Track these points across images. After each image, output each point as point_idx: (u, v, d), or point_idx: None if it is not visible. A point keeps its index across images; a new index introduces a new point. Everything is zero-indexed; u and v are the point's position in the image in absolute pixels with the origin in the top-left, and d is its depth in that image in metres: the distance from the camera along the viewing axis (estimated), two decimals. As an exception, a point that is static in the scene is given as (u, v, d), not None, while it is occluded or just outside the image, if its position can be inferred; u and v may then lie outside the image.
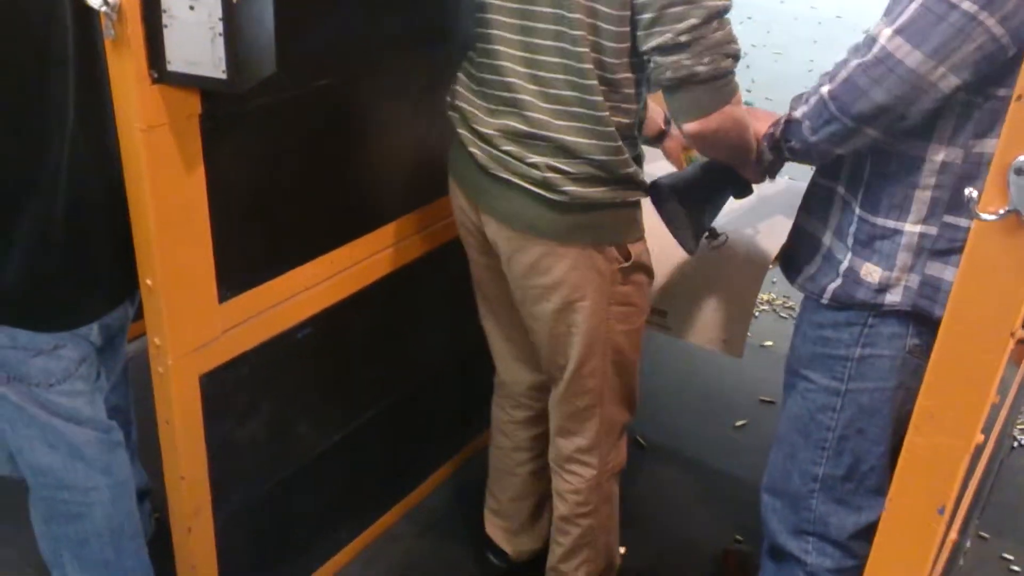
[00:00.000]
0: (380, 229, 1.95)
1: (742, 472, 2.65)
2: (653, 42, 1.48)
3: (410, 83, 1.91)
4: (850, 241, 1.56)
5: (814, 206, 1.66)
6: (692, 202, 1.76)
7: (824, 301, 1.60)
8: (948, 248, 1.47)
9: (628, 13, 1.49)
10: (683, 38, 1.45)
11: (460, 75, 1.76)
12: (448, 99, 1.79)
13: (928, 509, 1.14)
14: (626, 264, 1.71)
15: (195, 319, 1.59)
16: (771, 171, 1.72)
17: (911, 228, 1.49)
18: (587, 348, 1.77)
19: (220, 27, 1.33)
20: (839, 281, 1.57)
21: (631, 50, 1.54)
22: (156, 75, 1.37)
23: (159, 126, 1.40)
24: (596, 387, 1.83)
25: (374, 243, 1.94)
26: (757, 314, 3.49)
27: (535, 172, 1.63)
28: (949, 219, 1.46)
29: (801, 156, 1.59)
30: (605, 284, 1.71)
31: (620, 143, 1.61)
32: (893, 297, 1.52)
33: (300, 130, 1.69)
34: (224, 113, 1.50)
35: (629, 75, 1.58)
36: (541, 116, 1.60)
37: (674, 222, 1.75)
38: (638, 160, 1.69)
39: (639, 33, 1.50)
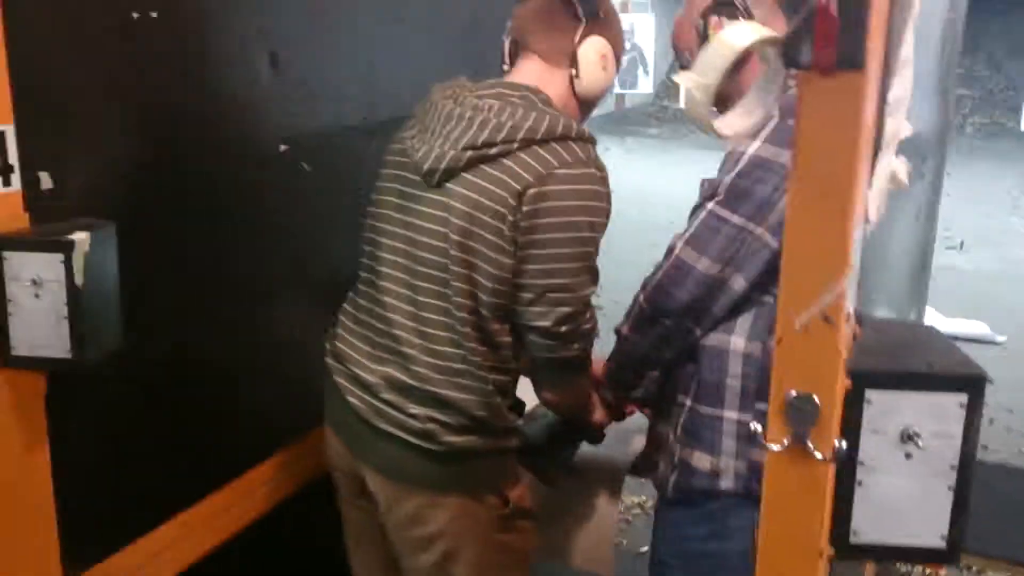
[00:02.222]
0: (240, 478, 1.92)
1: None
2: (531, 321, 1.62)
3: (263, 331, 1.96)
4: (679, 432, 1.66)
5: (658, 406, 1.78)
6: (551, 449, 1.85)
7: (670, 496, 1.69)
8: None
9: (505, 288, 1.60)
10: (562, 328, 1.60)
11: (343, 318, 1.82)
12: (327, 344, 1.83)
13: None
14: (506, 511, 1.72)
15: (40, 601, 1.51)
16: (617, 414, 1.86)
17: (729, 415, 1.62)
18: None
19: (65, 311, 1.38)
20: (676, 473, 1.66)
21: (509, 317, 1.64)
22: (0, 361, 1.39)
23: (2, 410, 1.40)
24: None
25: (235, 492, 1.91)
26: (630, 519, 3.52)
27: (414, 423, 1.65)
28: (761, 406, 1.59)
29: (634, 372, 1.73)
30: (486, 534, 1.71)
31: (498, 399, 1.67)
32: (727, 483, 1.62)
33: (147, 392, 1.70)
34: (70, 388, 1.51)
35: (508, 339, 1.67)
36: (424, 370, 1.65)
37: (535, 470, 1.84)
38: (515, 409, 1.75)
39: (518, 308, 1.62)
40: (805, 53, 0.88)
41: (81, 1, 1.47)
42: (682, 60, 1.73)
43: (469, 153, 1.59)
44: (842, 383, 1.05)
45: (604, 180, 1.64)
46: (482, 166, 1.60)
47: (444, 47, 2.34)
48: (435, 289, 1.64)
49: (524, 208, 1.57)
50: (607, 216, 1.64)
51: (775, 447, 1.06)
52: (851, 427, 1.07)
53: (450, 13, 2.40)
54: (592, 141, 1.67)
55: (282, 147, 1.88)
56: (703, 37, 1.62)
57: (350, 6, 2.04)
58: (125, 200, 1.57)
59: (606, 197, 1.63)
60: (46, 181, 1.44)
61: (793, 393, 1.03)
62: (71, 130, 1.48)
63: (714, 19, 1.59)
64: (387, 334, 1.70)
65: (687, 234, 1.61)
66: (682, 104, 1.10)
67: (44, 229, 1.41)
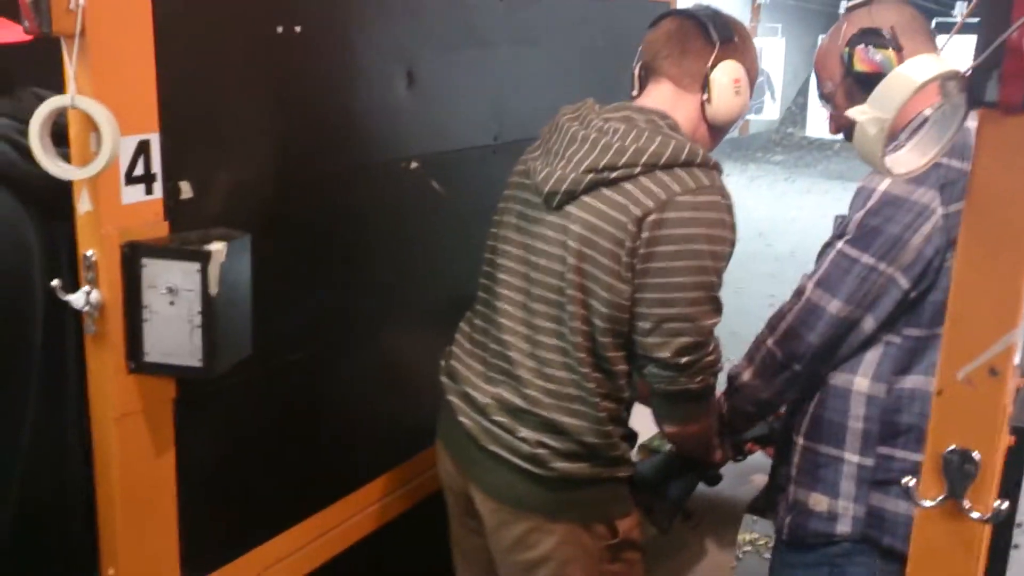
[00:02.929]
0: (355, 493, 1.93)
1: None
2: (649, 352, 1.57)
3: (384, 348, 1.96)
4: (794, 472, 1.61)
5: (779, 445, 1.73)
6: (664, 489, 1.80)
7: (785, 538, 1.64)
8: (886, 479, 1.53)
9: (620, 315, 1.56)
10: (682, 359, 1.54)
11: (459, 337, 1.82)
12: (442, 361, 1.83)
13: None
14: (614, 541, 1.68)
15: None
16: (736, 453, 1.81)
17: (849, 457, 1.57)
18: None
19: (199, 320, 1.40)
20: (792, 515, 1.61)
21: (625, 345, 1.60)
22: (133, 366, 1.42)
23: (133, 414, 1.43)
24: None
25: (349, 507, 1.91)
26: (740, 556, 3.46)
27: (524, 447, 1.63)
28: (883, 450, 1.54)
29: (754, 417, 1.69)
30: (593, 562, 1.68)
31: (610, 427, 1.64)
32: (844, 527, 1.57)
33: (272, 403, 1.72)
34: (198, 395, 1.54)
35: (623, 367, 1.63)
36: (536, 393, 1.63)
37: (647, 508, 1.79)
38: (627, 439, 1.71)
39: (636, 337, 1.58)
40: (991, 90, 0.84)
41: (228, 15, 1.50)
42: (823, 89, 1.68)
43: (590, 176, 1.57)
44: (1005, 439, 0.99)
45: (728, 208, 1.59)
46: (603, 190, 1.57)
47: (576, 70, 2.33)
48: (550, 313, 1.62)
49: (643, 235, 1.53)
50: (731, 245, 1.58)
51: (927, 503, 1.01)
52: (1011, 486, 1.01)
53: (583, 37, 2.39)
54: (717, 168, 1.62)
55: (413, 164, 1.89)
56: (847, 66, 1.57)
57: (484, 27, 2.05)
58: (260, 212, 1.59)
59: (730, 225, 1.58)
60: (186, 190, 1.47)
61: (952, 448, 0.98)
62: (212, 141, 1.51)
63: (860, 48, 1.54)
64: (501, 355, 1.69)
65: (817, 275, 1.57)
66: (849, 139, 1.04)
67: (182, 238, 1.44)
